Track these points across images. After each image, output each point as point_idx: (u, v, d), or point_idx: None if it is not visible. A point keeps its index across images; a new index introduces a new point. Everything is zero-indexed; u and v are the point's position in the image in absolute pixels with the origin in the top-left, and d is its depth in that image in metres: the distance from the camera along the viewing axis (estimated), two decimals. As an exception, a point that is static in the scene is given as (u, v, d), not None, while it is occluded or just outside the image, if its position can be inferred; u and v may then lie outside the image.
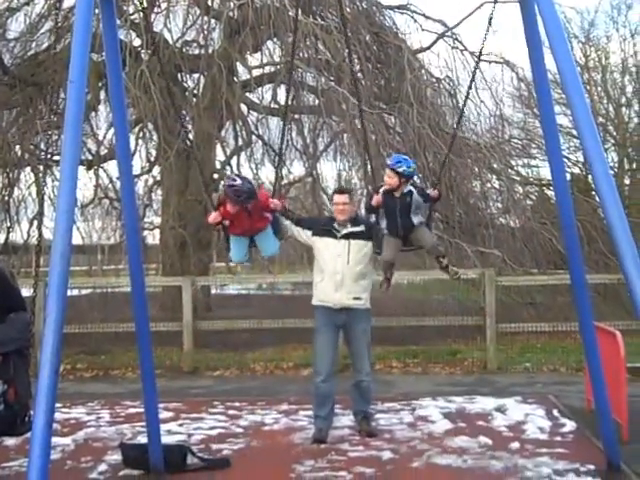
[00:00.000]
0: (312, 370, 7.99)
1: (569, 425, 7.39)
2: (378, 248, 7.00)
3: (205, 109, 14.94)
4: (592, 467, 6.00)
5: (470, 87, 7.14)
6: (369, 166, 9.30)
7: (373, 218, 7.10)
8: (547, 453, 6.43)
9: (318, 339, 7.15)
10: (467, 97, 7.64)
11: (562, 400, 8.55)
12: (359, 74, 15.22)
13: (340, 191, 7.64)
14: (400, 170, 6.68)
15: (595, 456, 6.22)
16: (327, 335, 7.10)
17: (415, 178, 7.35)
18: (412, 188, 6.80)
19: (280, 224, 6.93)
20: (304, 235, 7.23)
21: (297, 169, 16.88)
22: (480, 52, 6.42)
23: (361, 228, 7.11)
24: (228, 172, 16.76)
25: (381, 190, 6.76)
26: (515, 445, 6.69)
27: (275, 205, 6.64)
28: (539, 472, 5.92)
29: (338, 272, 6.97)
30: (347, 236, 7.05)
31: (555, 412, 7.96)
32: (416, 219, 6.75)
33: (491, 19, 5.87)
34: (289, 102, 10.52)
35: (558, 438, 6.99)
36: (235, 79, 15.53)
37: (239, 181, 6.38)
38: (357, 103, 8.92)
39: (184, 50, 15.84)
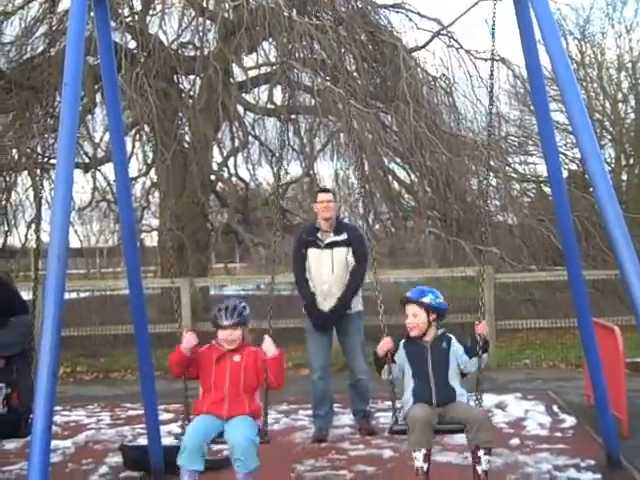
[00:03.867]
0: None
1: (569, 421, 7.41)
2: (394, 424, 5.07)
3: (201, 111, 14.95)
4: (592, 462, 6.01)
5: (492, 93, 5.93)
6: (366, 166, 9.32)
7: (385, 373, 5.12)
8: (547, 449, 6.45)
9: (310, 339, 7.19)
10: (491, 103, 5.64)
11: (562, 396, 8.58)
12: (355, 73, 15.23)
13: (324, 190, 7.87)
14: (427, 301, 5.08)
15: (595, 451, 6.23)
16: (319, 333, 7.13)
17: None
18: (447, 332, 5.25)
19: (267, 426, 5.09)
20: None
21: (294, 169, 16.90)
22: (492, 58, 5.90)
23: (343, 237, 7.12)
24: (225, 174, 16.78)
25: (402, 341, 5.19)
26: (515, 441, 6.71)
27: (271, 352, 5.02)
28: (539, 468, 5.93)
29: (325, 282, 7.02)
30: (330, 245, 7.07)
31: (555, 408, 7.98)
32: (459, 389, 5.10)
33: (494, 25, 5.40)
34: (285, 102, 10.51)
35: (558, 434, 7.01)
36: (231, 80, 15.54)
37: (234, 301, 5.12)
38: (352, 102, 8.81)
39: (180, 52, 15.83)
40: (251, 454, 4.64)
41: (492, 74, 5.63)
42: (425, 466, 4.66)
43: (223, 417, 4.85)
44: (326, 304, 7.01)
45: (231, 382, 4.90)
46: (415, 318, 5.06)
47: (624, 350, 6.95)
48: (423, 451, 4.64)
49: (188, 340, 5.00)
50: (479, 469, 4.69)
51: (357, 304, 7.15)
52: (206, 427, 4.81)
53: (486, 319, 10.84)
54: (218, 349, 5.00)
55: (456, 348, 5.06)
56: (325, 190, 7.80)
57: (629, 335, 7.38)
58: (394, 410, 5.06)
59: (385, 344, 5.07)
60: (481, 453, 4.70)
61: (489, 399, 8.42)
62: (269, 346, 5.00)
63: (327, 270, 7.00)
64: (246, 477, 4.66)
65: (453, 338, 5.14)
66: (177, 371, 5.13)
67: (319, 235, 7.12)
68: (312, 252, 7.09)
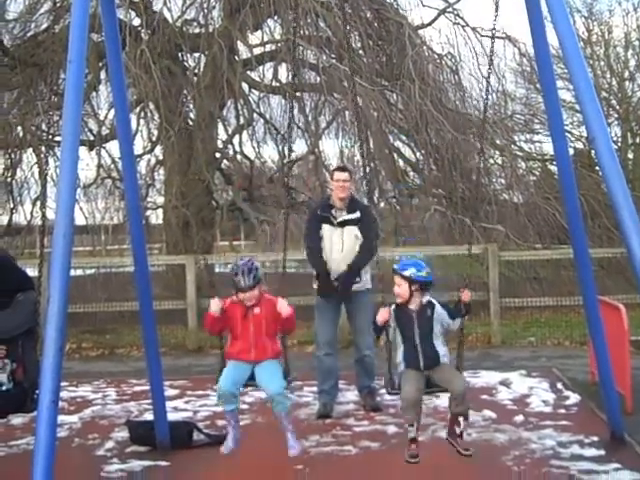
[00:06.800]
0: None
1: (573, 398, 7.44)
2: (391, 387, 5.40)
3: (206, 88, 14.89)
4: (596, 439, 6.04)
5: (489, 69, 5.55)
6: (371, 143, 9.22)
7: (383, 338, 5.47)
8: (551, 426, 6.49)
9: (318, 313, 7.21)
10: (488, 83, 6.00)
11: (566, 373, 8.61)
12: (360, 51, 15.13)
13: (342, 168, 7.64)
14: (407, 274, 5.33)
15: (599, 428, 6.26)
16: (327, 309, 7.17)
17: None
18: (433, 300, 5.48)
19: (289, 365, 5.65)
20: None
21: (299, 147, 16.81)
22: (492, 35, 5.54)
23: (357, 215, 7.10)
24: (230, 152, 16.76)
25: (392, 305, 5.42)
26: (519, 418, 6.74)
27: (285, 311, 5.50)
28: (543, 444, 5.97)
29: (334, 259, 7.02)
30: (342, 224, 7.07)
31: (559, 385, 8.01)
32: (442, 349, 5.30)
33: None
34: (290, 80, 10.45)
35: (562, 411, 7.04)
36: (236, 58, 15.46)
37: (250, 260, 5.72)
38: (357, 80, 8.67)
39: (184, 29, 15.74)
40: (284, 397, 5.45)
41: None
42: (416, 434, 5.22)
43: (251, 361, 5.53)
44: (336, 281, 7.01)
45: (255, 332, 5.54)
46: (399, 288, 5.39)
47: (629, 328, 6.97)
48: (415, 424, 5.19)
49: (215, 304, 5.52)
50: (457, 430, 5.29)
51: (366, 282, 7.16)
52: (235, 373, 5.51)
53: (491, 297, 10.99)
54: (241, 306, 5.59)
55: (440, 313, 5.40)
56: (343, 169, 7.53)
57: (634, 313, 7.40)
58: (389, 369, 5.42)
59: (383, 314, 5.37)
60: (461, 419, 5.32)
61: (493, 376, 8.47)
62: (283, 306, 5.54)
63: (337, 247, 7.01)
64: (286, 415, 5.48)
65: (437, 305, 5.44)
66: (215, 331, 5.71)
67: (333, 212, 7.12)
68: (325, 228, 7.09)
